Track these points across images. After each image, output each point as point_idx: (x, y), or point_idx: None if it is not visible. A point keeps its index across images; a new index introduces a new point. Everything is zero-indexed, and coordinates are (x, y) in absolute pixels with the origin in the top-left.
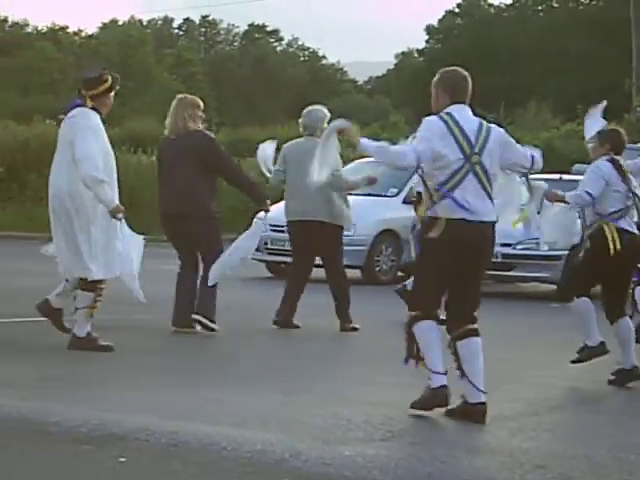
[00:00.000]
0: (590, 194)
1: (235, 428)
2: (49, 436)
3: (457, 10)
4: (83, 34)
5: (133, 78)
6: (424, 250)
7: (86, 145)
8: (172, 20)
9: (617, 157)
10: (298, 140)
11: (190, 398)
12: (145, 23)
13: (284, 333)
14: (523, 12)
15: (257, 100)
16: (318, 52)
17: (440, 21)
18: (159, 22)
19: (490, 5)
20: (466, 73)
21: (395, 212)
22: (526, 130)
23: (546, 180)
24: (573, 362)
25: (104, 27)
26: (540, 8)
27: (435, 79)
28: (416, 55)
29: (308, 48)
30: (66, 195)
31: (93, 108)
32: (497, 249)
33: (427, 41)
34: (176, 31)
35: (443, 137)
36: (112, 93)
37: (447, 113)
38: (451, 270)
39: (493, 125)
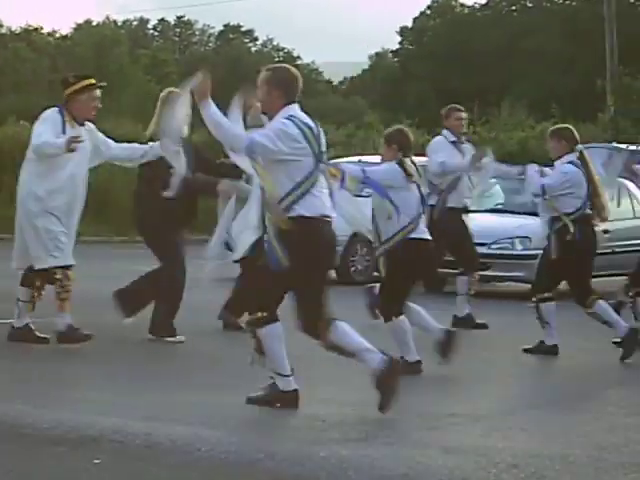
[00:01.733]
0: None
1: (209, 429)
2: (23, 438)
3: (429, 11)
4: (57, 35)
5: (108, 79)
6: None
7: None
8: (147, 21)
9: None
10: None
11: (164, 400)
12: (120, 24)
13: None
14: (497, 12)
15: (232, 101)
16: (293, 52)
17: (414, 22)
18: (134, 23)
19: (463, 5)
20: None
21: (370, 211)
22: (500, 130)
23: (520, 180)
24: (525, 350)
25: (78, 28)
26: (514, 8)
27: (267, 75)
28: (390, 56)
29: (283, 48)
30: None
31: (58, 106)
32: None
33: (401, 42)
34: (151, 32)
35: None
36: (84, 96)
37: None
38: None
39: None
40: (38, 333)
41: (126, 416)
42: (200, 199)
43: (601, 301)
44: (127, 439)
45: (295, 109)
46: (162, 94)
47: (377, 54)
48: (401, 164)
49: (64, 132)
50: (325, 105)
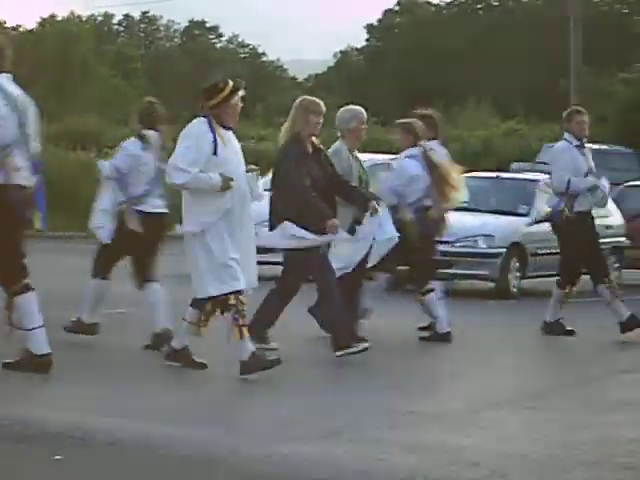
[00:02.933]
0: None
1: (172, 426)
2: None
3: (397, 9)
4: (22, 29)
5: (72, 74)
6: None
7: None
8: (112, 16)
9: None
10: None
11: (127, 397)
12: (85, 19)
13: (219, 331)
14: (463, 11)
15: (196, 97)
16: (258, 49)
17: (380, 20)
18: (99, 18)
19: (429, 4)
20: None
21: None
22: (465, 128)
23: (484, 178)
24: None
25: (43, 22)
26: (479, 7)
27: None
28: (356, 53)
29: (248, 45)
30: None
31: (206, 116)
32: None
33: (367, 40)
34: (116, 27)
35: None
36: (234, 99)
37: None
38: None
39: None
40: (195, 358)
41: (88, 413)
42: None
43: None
44: (88, 436)
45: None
46: (297, 101)
47: (343, 52)
48: None
49: (215, 152)
50: (290, 102)
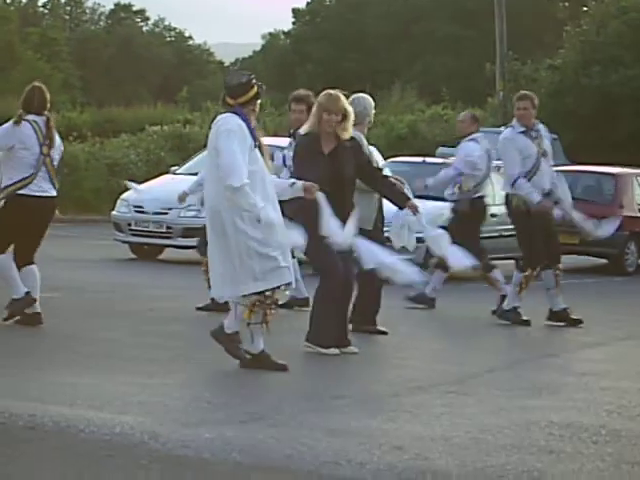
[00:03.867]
0: None
1: (93, 411)
2: None
3: None
4: None
5: None
6: None
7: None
8: None
9: None
10: None
11: (47, 381)
12: (9, 1)
13: (142, 314)
14: None
15: (123, 80)
16: (184, 33)
17: (307, 3)
18: (23, 0)
19: None
20: None
21: None
22: (391, 113)
23: (410, 163)
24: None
25: None
26: None
27: None
28: (282, 37)
29: (174, 29)
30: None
31: (237, 113)
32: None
33: (294, 23)
34: (41, 9)
35: None
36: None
37: None
38: None
39: None
40: (275, 359)
41: (8, 397)
42: None
43: None
44: (10, 420)
45: None
46: (320, 96)
47: (270, 34)
48: None
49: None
50: (216, 86)
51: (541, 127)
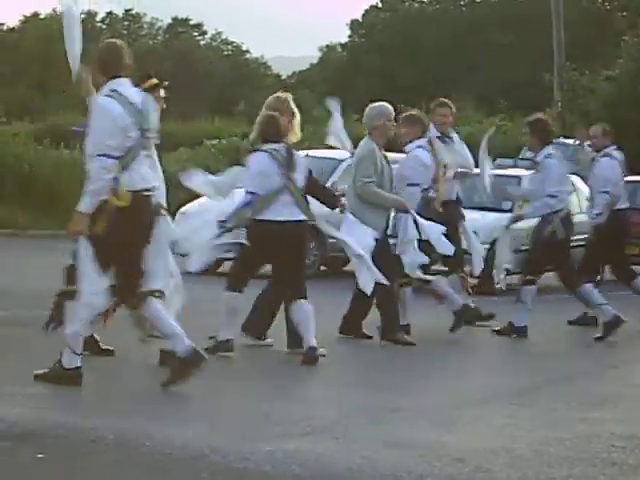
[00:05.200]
0: None
1: (154, 424)
2: None
3: (380, 5)
4: (4, 28)
5: (55, 72)
6: None
7: None
8: (95, 14)
9: None
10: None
11: (109, 394)
12: None
13: (198, 328)
14: (445, 7)
15: (180, 94)
16: (242, 46)
17: (363, 16)
18: (82, 16)
19: (413, 0)
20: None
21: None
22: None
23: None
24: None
25: (26, 21)
26: (462, 3)
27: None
28: (339, 50)
29: (232, 42)
30: None
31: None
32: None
33: (350, 36)
34: (99, 25)
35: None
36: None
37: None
38: None
39: None
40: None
41: (71, 411)
42: None
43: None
44: (72, 434)
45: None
46: (268, 99)
47: (327, 46)
48: None
49: None
50: None
51: (455, 136)
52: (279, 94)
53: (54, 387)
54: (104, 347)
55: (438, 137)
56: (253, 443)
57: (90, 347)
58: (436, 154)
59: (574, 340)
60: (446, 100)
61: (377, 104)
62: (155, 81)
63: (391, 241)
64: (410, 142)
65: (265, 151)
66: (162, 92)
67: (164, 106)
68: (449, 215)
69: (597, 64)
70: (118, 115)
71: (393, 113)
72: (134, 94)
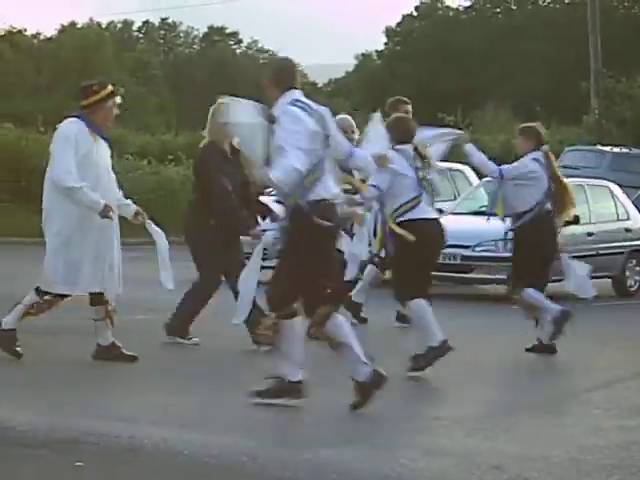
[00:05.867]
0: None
1: (192, 432)
2: (5, 441)
3: (416, 13)
4: (41, 37)
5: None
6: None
7: (59, 155)
8: (131, 23)
9: None
10: None
11: (147, 402)
12: (104, 26)
13: (238, 335)
14: (481, 14)
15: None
16: (277, 54)
17: (399, 23)
18: (118, 25)
19: (448, 8)
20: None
21: None
22: (484, 132)
23: None
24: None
25: (63, 30)
26: (498, 10)
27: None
28: (375, 57)
29: (267, 50)
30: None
31: (79, 117)
32: (457, 251)
33: (386, 43)
34: (135, 34)
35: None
36: (109, 103)
37: None
38: None
39: None
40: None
41: (109, 419)
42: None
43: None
44: (110, 442)
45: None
46: (214, 106)
47: (363, 54)
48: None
49: (89, 153)
50: None
51: None
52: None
53: (90, 395)
54: (128, 353)
55: None
56: (291, 451)
57: (111, 353)
58: (551, 167)
59: (608, 348)
60: (404, 98)
61: (338, 116)
62: (111, 88)
63: None
64: (524, 154)
65: (397, 151)
66: (118, 99)
67: (117, 112)
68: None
69: (634, 71)
70: (309, 122)
71: (353, 125)
72: (313, 104)
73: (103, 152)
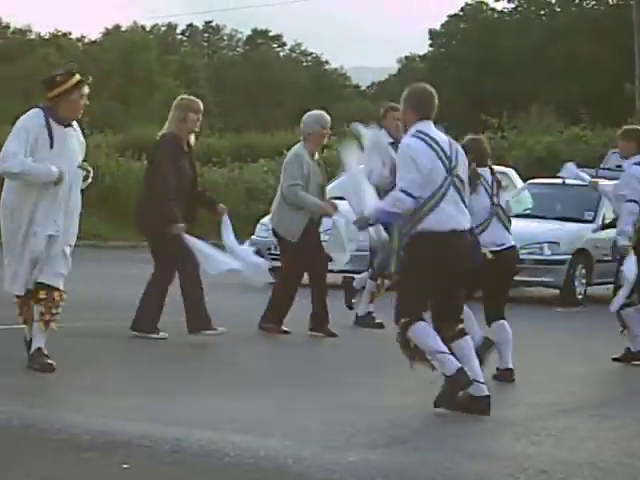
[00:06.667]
0: None
1: (238, 434)
2: (52, 443)
3: (461, 14)
4: (86, 40)
5: (137, 84)
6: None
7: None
8: (175, 26)
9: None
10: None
11: (192, 405)
12: (148, 29)
13: (281, 338)
14: (526, 16)
15: (260, 105)
16: (321, 57)
17: (443, 25)
18: (162, 28)
19: (494, 10)
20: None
21: None
22: (529, 135)
23: (549, 185)
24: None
25: (107, 33)
26: (543, 12)
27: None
28: (418, 60)
29: (311, 53)
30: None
31: (42, 108)
32: None
33: (430, 45)
34: (179, 37)
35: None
36: (74, 95)
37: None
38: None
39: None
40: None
41: (154, 421)
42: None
43: None
44: (156, 444)
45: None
46: (176, 100)
47: (406, 57)
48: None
49: (50, 136)
50: (352, 110)
51: None
52: (191, 96)
53: (134, 398)
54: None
55: (391, 143)
56: (336, 453)
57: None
58: None
59: None
60: (393, 104)
61: (314, 112)
62: (77, 78)
63: None
64: (626, 158)
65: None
66: (86, 89)
67: (87, 102)
68: None
69: None
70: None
71: (329, 122)
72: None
73: (70, 144)
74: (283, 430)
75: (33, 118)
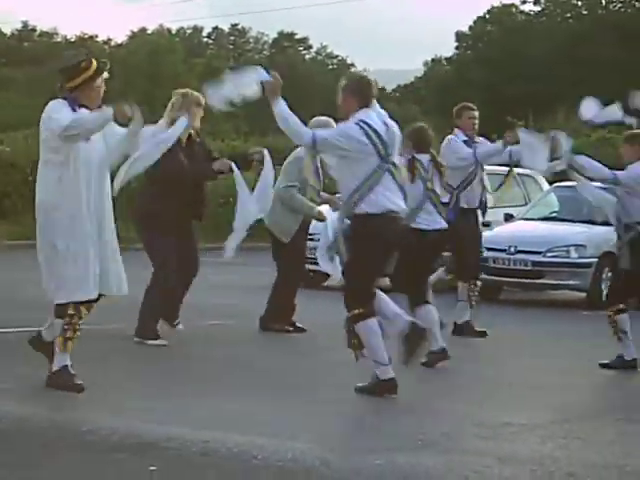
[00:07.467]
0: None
1: (265, 437)
2: (82, 444)
3: (488, 16)
4: (112, 43)
5: (163, 87)
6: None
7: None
8: (201, 29)
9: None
10: None
11: (220, 407)
12: (174, 32)
13: (305, 340)
14: (552, 19)
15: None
16: (346, 59)
17: (471, 27)
18: (188, 31)
19: (522, 12)
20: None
21: None
22: None
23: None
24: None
25: (133, 36)
26: (569, 15)
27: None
28: (444, 63)
29: (337, 56)
30: (38, 206)
31: (66, 98)
32: (527, 257)
33: (457, 47)
34: (205, 40)
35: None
36: (98, 82)
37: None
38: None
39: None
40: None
41: (183, 424)
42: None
43: None
44: (184, 446)
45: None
46: (173, 98)
47: (432, 60)
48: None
49: None
50: None
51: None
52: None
53: (164, 400)
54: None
55: (465, 141)
56: (363, 456)
57: None
58: None
59: None
60: (469, 104)
61: (320, 118)
62: (96, 64)
63: None
64: (630, 163)
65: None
66: (105, 75)
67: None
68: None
69: None
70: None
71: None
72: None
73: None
74: (310, 433)
75: (62, 107)
